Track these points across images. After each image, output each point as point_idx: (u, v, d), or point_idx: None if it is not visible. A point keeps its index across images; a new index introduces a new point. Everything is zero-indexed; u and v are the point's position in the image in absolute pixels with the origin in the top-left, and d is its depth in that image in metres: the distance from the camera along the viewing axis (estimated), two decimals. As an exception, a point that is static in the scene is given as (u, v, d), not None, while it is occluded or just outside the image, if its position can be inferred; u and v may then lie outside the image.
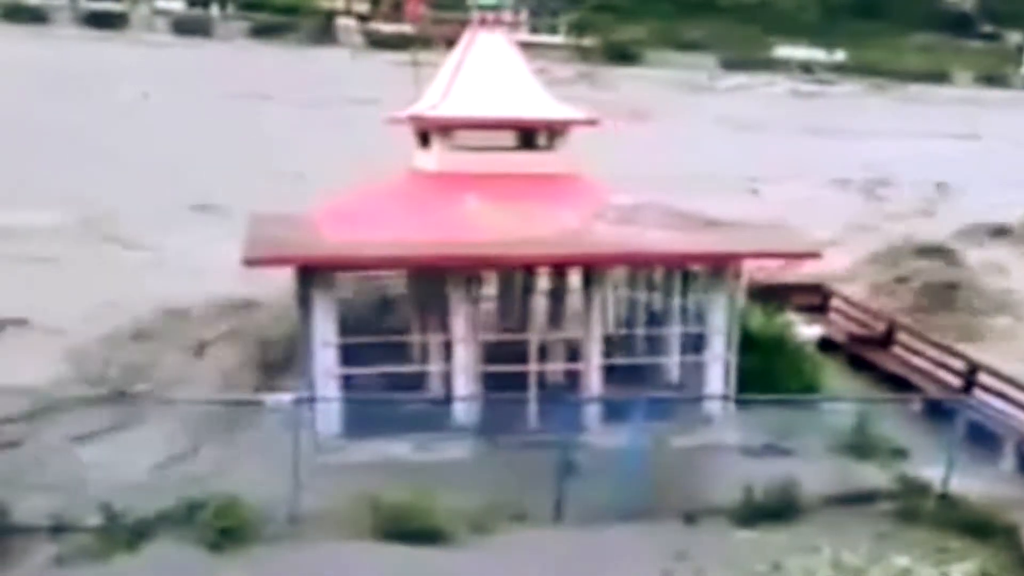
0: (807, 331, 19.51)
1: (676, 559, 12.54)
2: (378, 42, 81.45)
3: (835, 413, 16.16)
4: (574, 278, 16.82)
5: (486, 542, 12.81)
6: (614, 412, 14.77)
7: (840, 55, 76.87)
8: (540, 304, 17.20)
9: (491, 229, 14.92)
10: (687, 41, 75.12)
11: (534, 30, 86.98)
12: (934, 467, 14.39)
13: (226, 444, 14.76)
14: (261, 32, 79.44)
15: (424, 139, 16.90)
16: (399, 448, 14.56)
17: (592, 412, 15.41)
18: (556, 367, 16.43)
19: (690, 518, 13.47)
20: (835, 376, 18.61)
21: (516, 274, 18.09)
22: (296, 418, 13.37)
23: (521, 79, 17.00)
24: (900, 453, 15.50)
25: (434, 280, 15.94)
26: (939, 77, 71.68)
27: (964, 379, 17.96)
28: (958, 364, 18.37)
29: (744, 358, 16.51)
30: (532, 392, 15.34)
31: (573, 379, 16.07)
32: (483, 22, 17.08)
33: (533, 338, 15.69)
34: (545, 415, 15.03)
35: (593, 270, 15.70)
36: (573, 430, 14.06)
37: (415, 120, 16.84)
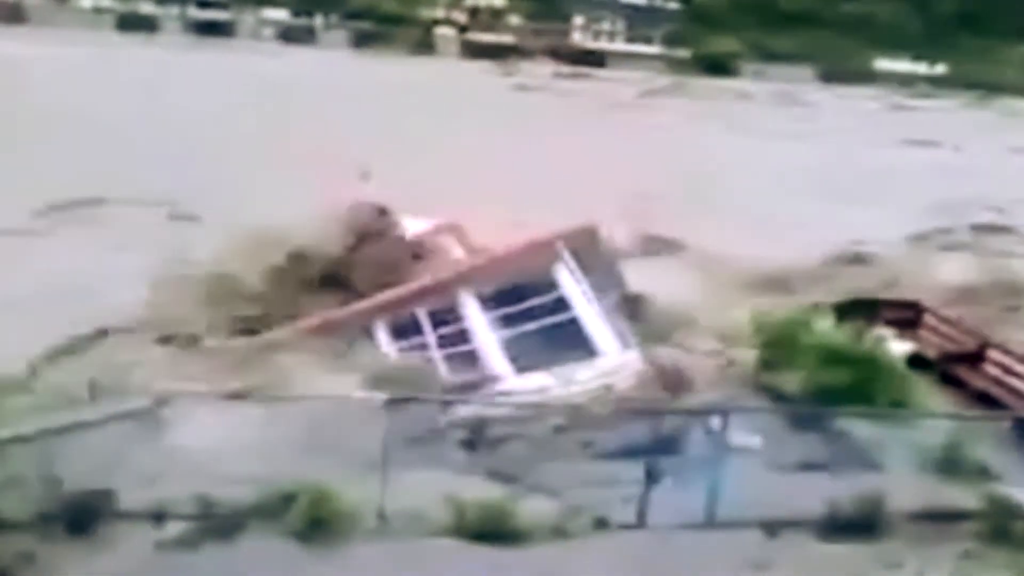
0: (898, 347, 19.36)
1: (755, 569, 12.66)
2: (476, 51, 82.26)
3: (923, 430, 16.06)
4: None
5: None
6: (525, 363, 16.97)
7: (941, 68, 75.30)
8: None
9: None
10: (784, 53, 74.28)
11: (630, 40, 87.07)
12: (1024, 487, 14.26)
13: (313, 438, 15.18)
14: (362, 41, 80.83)
15: None
16: None
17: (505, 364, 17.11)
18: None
19: (770, 529, 13.57)
20: (925, 393, 18.41)
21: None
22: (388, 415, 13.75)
23: None
24: (989, 472, 15.33)
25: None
26: (1044, 92, 69.69)
27: (1057, 399, 17.66)
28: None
29: (834, 373, 16.63)
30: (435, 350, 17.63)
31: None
32: None
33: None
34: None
35: None
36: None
37: None
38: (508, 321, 18.00)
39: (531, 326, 17.88)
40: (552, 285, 18.13)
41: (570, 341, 17.78)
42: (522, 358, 17.42)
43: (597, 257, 19.05)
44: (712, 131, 52.38)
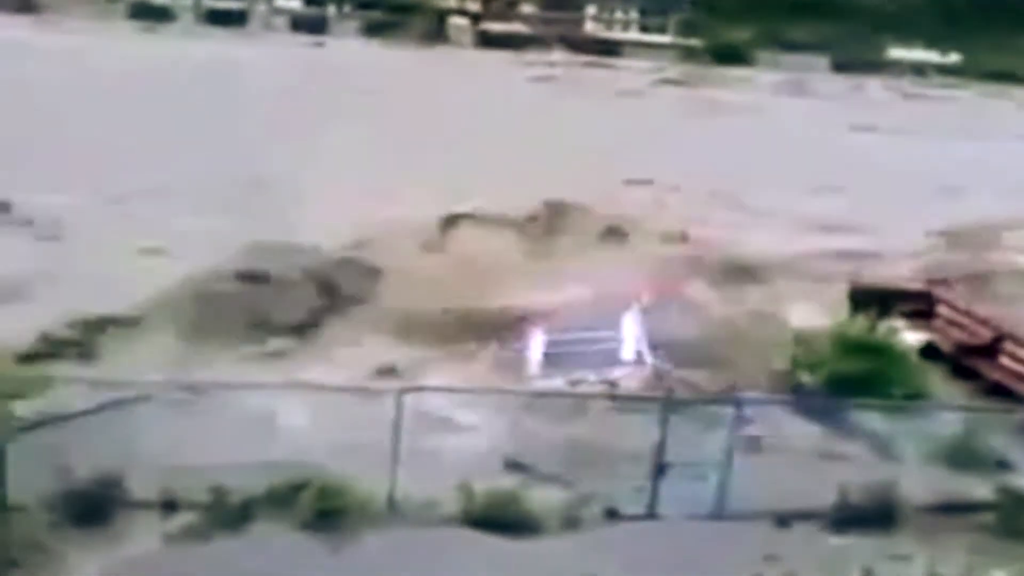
0: (911, 337, 19.28)
1: (766, 561, 12.62)
2: (490, 41, 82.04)
3: (937, 421, 16.00)
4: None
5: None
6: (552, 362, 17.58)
7: (954, 57, 74.87)
8: None
9: None
10: (797, 42, 73.90)
11: (643, 29, 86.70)
12: (1037, 480, 14.19)
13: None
14: (373, 30, 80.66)
15: None
16: None
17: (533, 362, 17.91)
18: None
19: (781, 521, 13.53)
20: (939, 384, 18.35)
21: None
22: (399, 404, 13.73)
23: None
24: (1002, 464, 15.27)
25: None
26: (1062, 81, 68.96)
27: (1073, 391, 17.52)
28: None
29: (848, 363, 16.60)
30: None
31: None
32: None
33: None
34: None
35: None
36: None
37: None
38: (555, 344, 18.46)
39: (573, 349, 18.36)
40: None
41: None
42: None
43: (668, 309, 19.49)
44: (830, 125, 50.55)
